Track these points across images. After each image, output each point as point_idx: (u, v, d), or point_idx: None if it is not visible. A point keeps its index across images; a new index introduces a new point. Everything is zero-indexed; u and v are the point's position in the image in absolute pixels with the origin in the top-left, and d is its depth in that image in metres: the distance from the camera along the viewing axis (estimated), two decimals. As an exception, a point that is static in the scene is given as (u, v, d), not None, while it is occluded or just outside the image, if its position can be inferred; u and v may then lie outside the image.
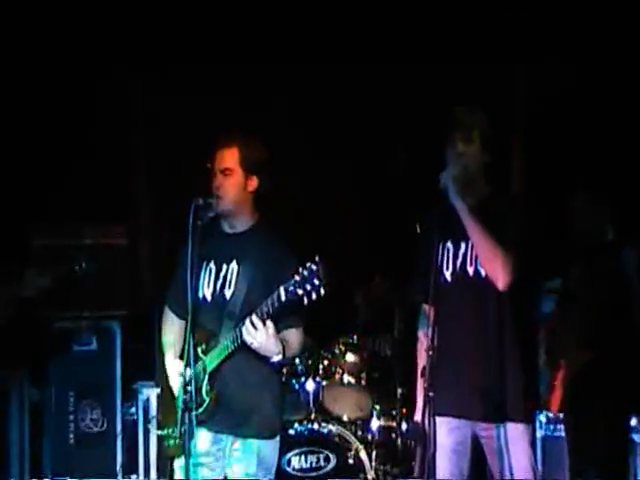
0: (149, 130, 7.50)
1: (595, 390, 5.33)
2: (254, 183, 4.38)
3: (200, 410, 4.25)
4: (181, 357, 4.33)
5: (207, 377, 4.29)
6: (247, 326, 4.09)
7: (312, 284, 3.90)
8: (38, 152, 6.95)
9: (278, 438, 4.45)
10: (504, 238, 4.11)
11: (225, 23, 7.08)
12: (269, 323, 4.09)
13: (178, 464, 4.40)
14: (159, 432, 4.55)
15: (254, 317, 4.09)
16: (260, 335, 4.09)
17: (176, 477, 4.41)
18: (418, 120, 7.01)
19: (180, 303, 4.39)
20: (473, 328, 4.21)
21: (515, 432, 4.18)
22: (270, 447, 4.39)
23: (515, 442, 4.18)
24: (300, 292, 3.92)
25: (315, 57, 7.15)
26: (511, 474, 4.17)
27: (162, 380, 4.53)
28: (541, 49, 6.94)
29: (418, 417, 4.14)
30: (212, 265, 4.41)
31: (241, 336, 4.14)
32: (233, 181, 4.35)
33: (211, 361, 4.30)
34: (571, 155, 6.83)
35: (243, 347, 4.19)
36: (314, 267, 3.91)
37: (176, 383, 4.39)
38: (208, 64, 7.15)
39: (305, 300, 3.93)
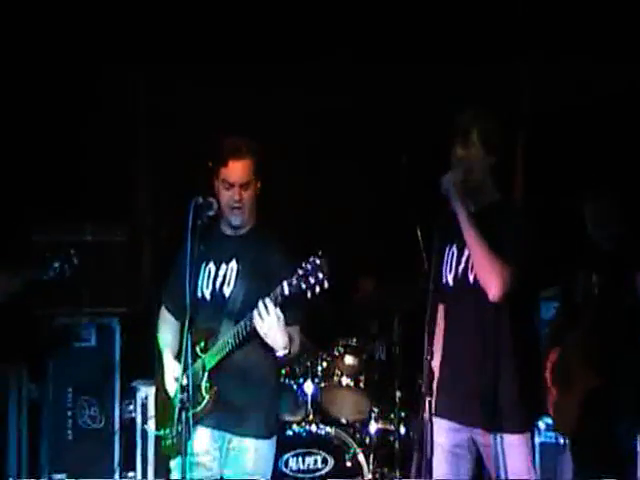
0: (151, 128, 7.50)
1: (600, 408, 5.28)
2: (258, 187, 4.41)
3: (199, 408, 4.26)
4: (178, 358, 4.34)
5: (207, 375, 4.29)
6: (260, 310, 4.07)
7: (316, 277, 3.92)
8: (40, 149, 6.95)
9: (275, 439, 4.44)
10: (504, 248, 4.05)
11: (229, 22, 7.07)
12: (279, 311, 4.08)
13: (174, 464, 4.40)
14: (156, 433, 4.55)
15: (267, 299, 4.08)
16: (271, 319, 4.07)
17: (172, 476, 4.41)
18: (421, 123, 7.00)
19: (176, 304, 4.39)
20: (472, 335, 4.17)
21: (512, 441, 4.14)
22: (267, 447, 4.39)
23: (512, 451, 4.13)
24: (303, 286, 3.94)
25: (318, 58, 7.14)
26: None
27: (158, 380, 4.52)
28: (545, 49, 6.93)
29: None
30: (211, 265, 4.41)
31: (250, 324, 4.12)
32: (252, 192, 4.37)
33: (211, 359, 4.30)
34: (576, 160, 6.81)
35: (245, 342, 4.18)
36: (317, 261, 3.93)
37: (171, 384, 4.39)
38: (211, 62, 7.14)
39: (309, 294, 3.94)
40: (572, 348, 5.42)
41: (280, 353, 4.21)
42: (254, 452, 4.33)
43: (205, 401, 4.29)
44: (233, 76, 7.17)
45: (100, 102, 7.19)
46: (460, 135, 4.18)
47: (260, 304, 4.08)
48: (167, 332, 4.57)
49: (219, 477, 4.41)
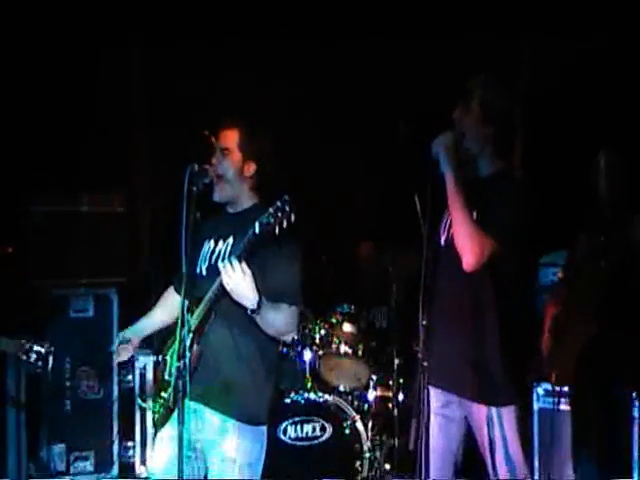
0: (148, 99, 7.47)
1: (598, 364, 5.29)
2: (252, 169, 4.37)
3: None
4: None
5: (191, 335, 4.22)
6: (226, 266, 4.07)
7: (283, 211, 3.96)
8: (37, 120, 6.92)
9: (264, 429, 4.32)
10: (493, 220, 4.00)
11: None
12: (245, 267, 4.06)
13: (159, 436, 4.37)
14: (144, 405, 4.53)
15: (232, 257, 4.08)
16: (236, 275, 4.05)
17: (156, 448, 4.38)
18: (420, 91, 6.98)
19: (180, 279, 4.36)
20: (459, 299, 4.13)
21: (502, 413, 4.10)
22: (251, 435, 4.27)
23: (501, 423, 4.10)
24: (272, 220, 3.97)
25: (316, 31, 7.12)
26: (505, 452, 4.11)
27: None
28: (546, 22, 6.89)
29: None
30: (211, 242, 4.41)
31: (220, 282, 4.12)
32: (231, 161, 4.34)
33: (195, 319, 4.27)
34: (576, 130, 6.79)
35: (221, 297, 4.16)
36: (285, 197, 3.99)
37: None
38: (209, 34, 7.12)
39: (277, 230, 3.97)
40: (573, 303, 5.42)
41: (250, 307, 4.12)
42: (235, 437, 4.23)
43: (186, 359, 4.15)
44: (234, 50, 7.16)
45: (97, 73, 7.16)
46: (462, 99, 4.15)
47: (226, 261, 4.08)
48: (160, 308, 4.63)
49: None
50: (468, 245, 3.97)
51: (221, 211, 4.46)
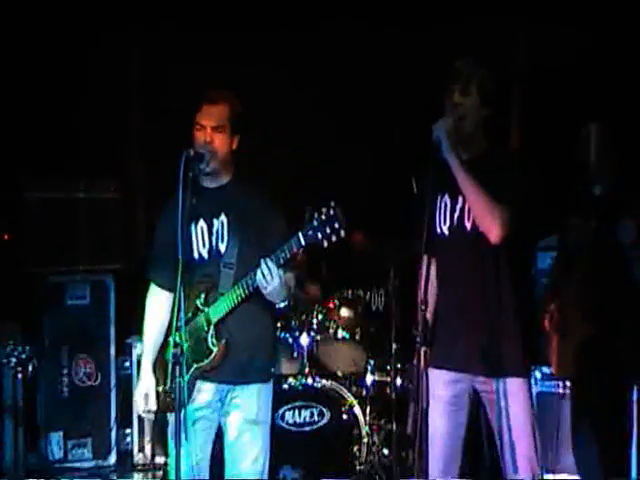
0: (144, 84, 7.45)
1: (597, 360, 5.25)
2: (236, 142, 4.38)
3: (206, 361, 4.25)
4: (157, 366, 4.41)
5: (212, 328, 4.27)
6: (263, 270, 4.11)
7: (332, 227, 4.00)
8: (33, 106, 6.89)
9: (272, 381, 4.48)
10: (499, 193, 4.04)
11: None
12: (280, 271, 4.13)
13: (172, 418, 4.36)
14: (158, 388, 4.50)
15: (269, 262, 4.12)
16: (275, 281, 4.12)
17: (171, 430, 4.35)
18: (416, 73, 6.95)
19: (167, 273, 4.27)
20: (471, 283, 4.17)
21: (514, 386, 4.16)
22: (268, 390, 4.42)
23: (514, 396, 4.15)
24: (320, 236, 4.01)
25: (311, 14, 7.10)
26: (509, 428, 4.14)
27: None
28: (542, 3, 6.87)
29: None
30: (202, 223, 4.36)
31: (254, 282, 4.15)
32: (224, 137, 4.33)
33: (217, 311, 4.26)
34: (572, 111, 6.77)
35: (251, 294, 4.19)
36: (332, 211, 4.01)
37: (140, 401, 4.40)
38: (204, 22, 7.10)
39: (325, 243, 4.02)
40: (569, 295, 5.39)
41: (280, 305, 4.24)
42: (257, 398, 4.35)
43: (213, 354, 4.25)
44: (227, 34, 7.14)
45: (93, 59, 7.13)
46: (460, 82, 4.15)
47: (263, 266, 4.11)
48: (153, 319, 4.48)
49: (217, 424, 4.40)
50: (492, 219, 4.03)
51: (197, 187, 4.31)
